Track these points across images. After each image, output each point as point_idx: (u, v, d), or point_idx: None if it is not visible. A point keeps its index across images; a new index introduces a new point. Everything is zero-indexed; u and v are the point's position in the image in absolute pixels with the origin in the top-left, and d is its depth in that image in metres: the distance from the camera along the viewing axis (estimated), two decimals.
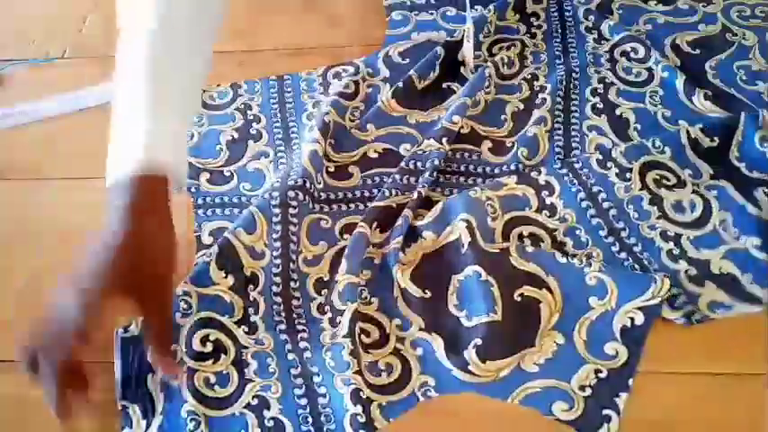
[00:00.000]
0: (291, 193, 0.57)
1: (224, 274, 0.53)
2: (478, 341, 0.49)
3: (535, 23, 0.71)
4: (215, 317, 0.52)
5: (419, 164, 0.60)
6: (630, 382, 0.48)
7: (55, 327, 0.42)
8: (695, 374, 0.49)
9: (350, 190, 0.60)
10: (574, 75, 0.66)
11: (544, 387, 0.48)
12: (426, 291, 0.53)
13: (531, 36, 0.70)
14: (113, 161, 0.46)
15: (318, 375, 0.50)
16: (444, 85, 0.67)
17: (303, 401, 0.49)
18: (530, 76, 0.66)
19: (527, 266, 0.52)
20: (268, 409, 0.48)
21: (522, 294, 0.51)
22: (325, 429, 0.47)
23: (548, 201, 0.57)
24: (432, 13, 0.73)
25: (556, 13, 0.72)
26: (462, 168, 0.61)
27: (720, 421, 0.47)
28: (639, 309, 0.50)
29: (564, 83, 0.65)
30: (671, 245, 0.53)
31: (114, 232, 0.43)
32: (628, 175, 0.57)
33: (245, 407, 0.48)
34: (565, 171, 0.58)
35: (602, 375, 0.48)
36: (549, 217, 0.56)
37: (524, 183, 0.57)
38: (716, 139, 0.58)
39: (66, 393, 0.42)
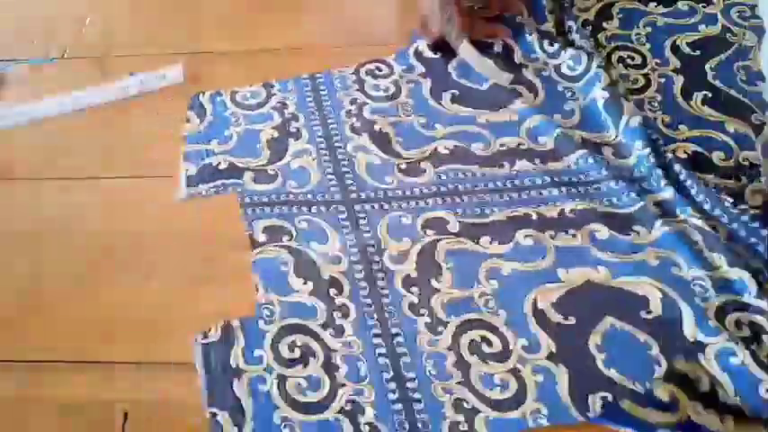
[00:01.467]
0: (358, 207, 0.58)
1: (303, 281, 0.53)
2: (609, 397, 0.46)
3: None
4: (299, 322, 0.51)
5: (516, 181, 0.59)
6: None
7: None
8: None
9: (426, 186, 0.59)
10: None
11: None
12: (570, 318, 0.50)
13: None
14: None
15: (414, 381, 0.48)
16: (510, 87, 0.66)
17: (398, 406, 0.47)
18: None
19: (718, 375, 0.46)
20: (363, 414, 0.47)
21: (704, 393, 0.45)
22: None
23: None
24: None
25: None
26: (598, 174, 0.58)
27: None
28: None
29: None
30: None
31: None
32: None
33: (338, 412, 0.47)
34: None
35: None
36: None
37: (738, 266, 0.50)
38: None
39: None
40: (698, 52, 0.67)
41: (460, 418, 0.46)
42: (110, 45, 0.77)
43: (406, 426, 0.46)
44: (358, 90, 0.68)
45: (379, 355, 0.50)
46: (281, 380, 0.49)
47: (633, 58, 0.68)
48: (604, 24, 0.71)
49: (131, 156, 0.65)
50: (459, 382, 0.48)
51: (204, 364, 0.50)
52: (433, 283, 0.53)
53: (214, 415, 0.47)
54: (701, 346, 0.47)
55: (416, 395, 0.47)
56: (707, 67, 0.66)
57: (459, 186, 0.59)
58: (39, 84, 0.73)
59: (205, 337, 0.51)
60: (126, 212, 0.61)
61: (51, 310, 0.55)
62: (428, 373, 0.48)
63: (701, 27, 0.70)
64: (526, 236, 0.55)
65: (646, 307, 0.50)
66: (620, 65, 0.67)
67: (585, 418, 0.45)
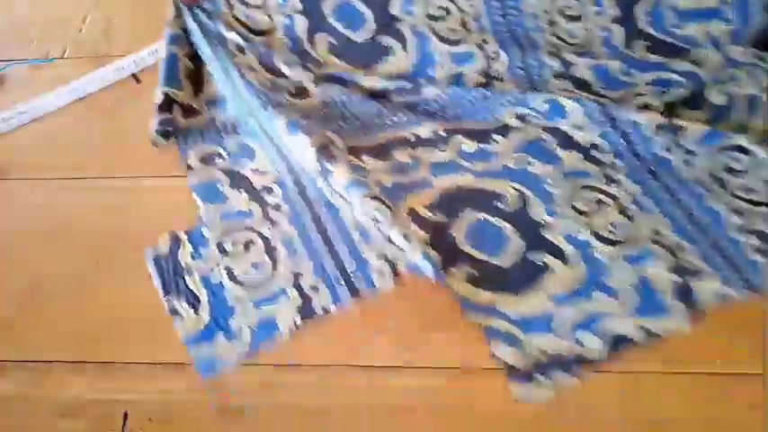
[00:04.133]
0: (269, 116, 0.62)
1: (238, 191, 0.59)
2: (474, 272, 0.53)
3: None
4: (239, 222, 0.57)
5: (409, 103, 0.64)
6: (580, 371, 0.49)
7: None
8: (695, 374, 0.48)
9: (312, 110, 0.64)
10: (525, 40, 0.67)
11: (505, 330, 0.50)
12: (436, 213, 0.56)
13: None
14: None
15: (344, 247, 0.56)
16: (380, 41, 0.69)
17: (335, 273, 0.54)
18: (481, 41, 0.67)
19: (561, 243, 0.54)
20: (303, 279, 0.54)
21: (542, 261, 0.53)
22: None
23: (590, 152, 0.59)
24: None
25: None
26: (462, 97, 0.63)
27: (720, 421, 0.47)
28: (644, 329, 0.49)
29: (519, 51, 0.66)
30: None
31: None
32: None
33: (283, 285, 0.54)
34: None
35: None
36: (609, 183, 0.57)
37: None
38: None
39: None
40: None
41: (386, 268, 0.54)
42: (110, 44, 0.76)
43: (342, 282, 0.54)
44: (231, 13, 0.71)
45: (312, 231, 0.57)
46: (229, 270, 0.55)
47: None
48: None
49: (131, 154, 0.65)
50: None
51: (156, 269, 0.55)
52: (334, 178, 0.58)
53: (170, 302, 0.53)
54: (549, 227, 0.55)
55: (348, 257, 0.55)
56: (637, 10, 0.67)
57: (345, 112, 0.64)
58: (39, 84, 0.73)
59: (155, 248, 0.56)
60: (126, 212, 0.61)
61: (51, 310, 0.55)
62: (355, 240, 0.56)
63: None
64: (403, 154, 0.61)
65: (500, 199, 0.57)
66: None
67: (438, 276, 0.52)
